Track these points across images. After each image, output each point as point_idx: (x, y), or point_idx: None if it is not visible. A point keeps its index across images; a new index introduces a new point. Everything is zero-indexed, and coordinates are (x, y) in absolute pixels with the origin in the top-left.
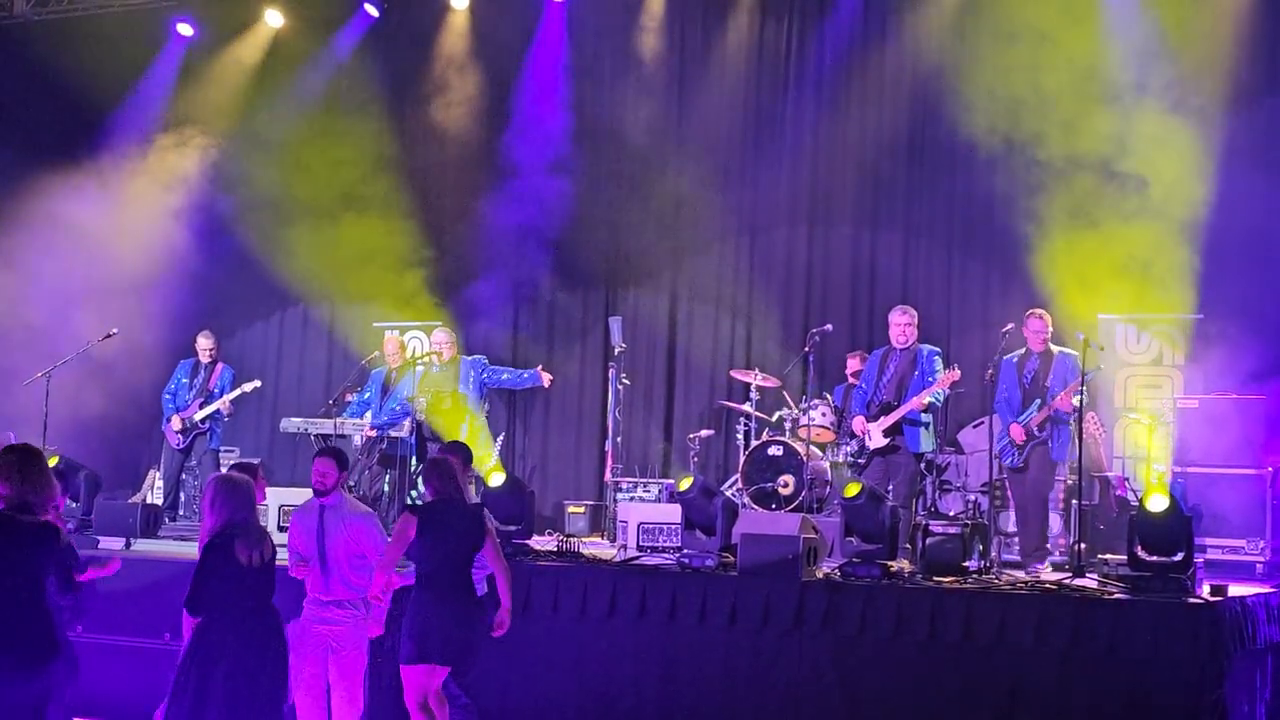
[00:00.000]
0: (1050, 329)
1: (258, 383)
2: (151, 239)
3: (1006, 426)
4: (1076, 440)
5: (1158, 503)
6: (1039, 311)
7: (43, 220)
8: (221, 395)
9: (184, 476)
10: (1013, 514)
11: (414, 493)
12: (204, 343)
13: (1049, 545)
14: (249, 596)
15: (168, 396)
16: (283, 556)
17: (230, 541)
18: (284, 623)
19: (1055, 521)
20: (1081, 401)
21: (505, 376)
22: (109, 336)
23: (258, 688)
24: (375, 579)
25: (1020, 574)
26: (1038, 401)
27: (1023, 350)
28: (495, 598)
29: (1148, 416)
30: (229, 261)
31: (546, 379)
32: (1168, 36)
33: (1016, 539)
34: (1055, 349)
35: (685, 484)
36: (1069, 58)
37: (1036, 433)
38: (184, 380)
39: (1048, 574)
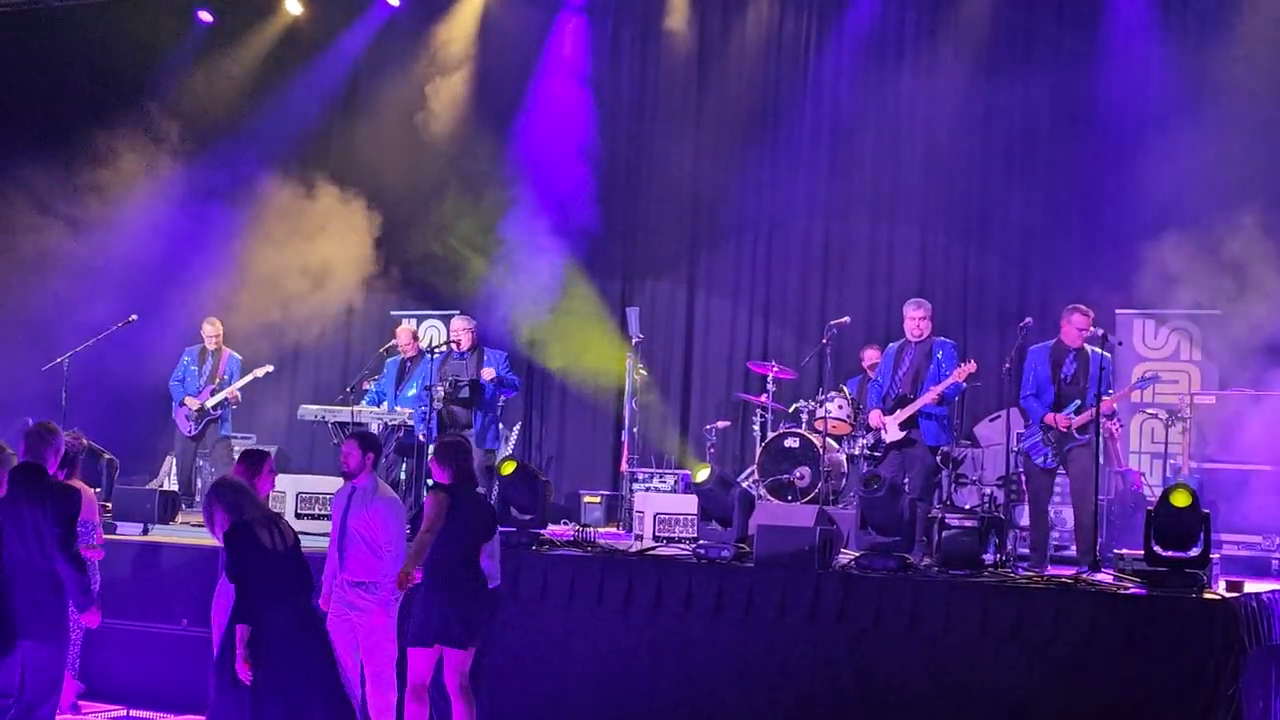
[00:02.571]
0: (1091, 328)
1: (269, 367)
2: (169, 224)
3: (1038, 420)
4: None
5: (1180, 499)
6: (1082, 307)
7: (62, 204)
8: (231, 382)
9: (199, 463)
10: (1026, 509)
11: (430, 481)
12: (209, 329)
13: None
14: (283, 581)
15: (175, 383)
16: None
17: (249, 527)
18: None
19: (1069, 516)
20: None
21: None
22: (128, 322)
23: (310, 672)
24: (407, 562)
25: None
26: (1077, 402)
27: (1054, 343)
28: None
29: (1165, 413)
30: (247, 248)
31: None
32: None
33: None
34: (1089, 348)
35: (702, 474)
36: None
37: (1077, 435)
38: (192, 367)
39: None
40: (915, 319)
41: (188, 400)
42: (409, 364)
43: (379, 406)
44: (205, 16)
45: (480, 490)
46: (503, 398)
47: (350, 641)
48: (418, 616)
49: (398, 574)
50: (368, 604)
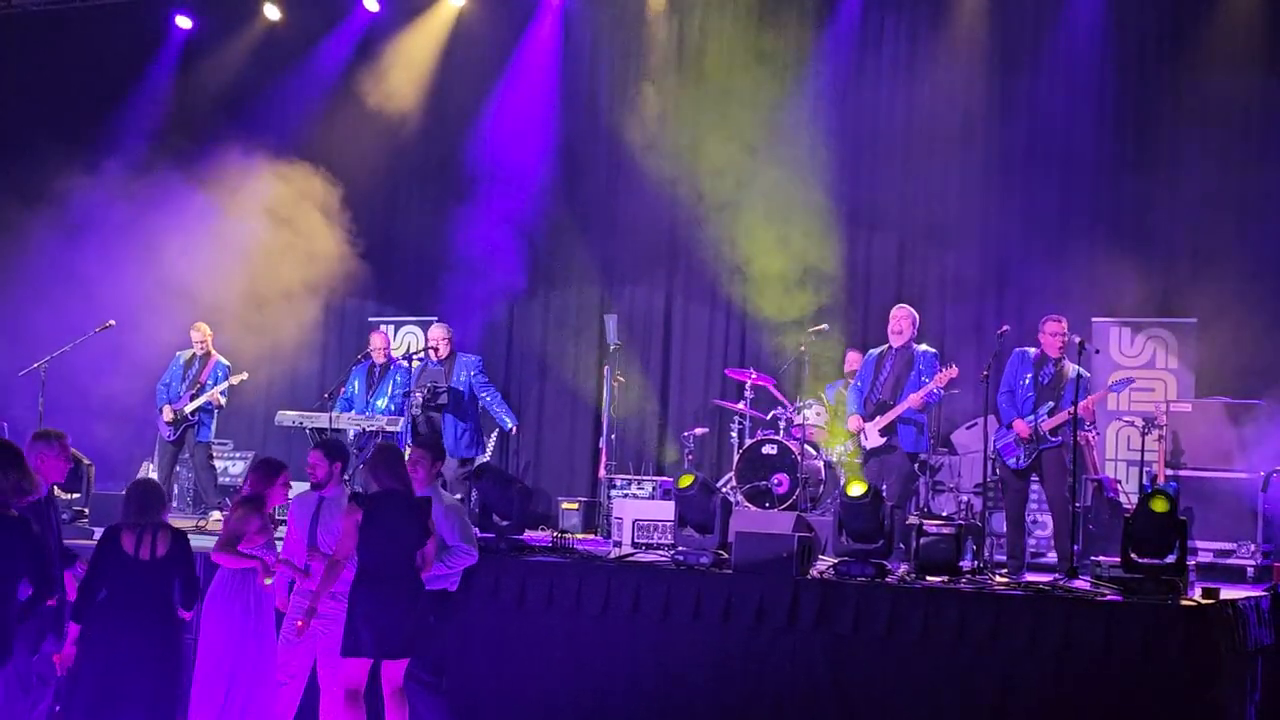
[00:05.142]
0: (1067, 336)
1: (245, 375)
2: (147, 230)
3: (1008, 421)
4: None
5: (1159, 505)
6: (1054, 316)
7: (40, 213)
8: (214, 388)
9: (177, 468)
10: (1004, 515)
11: None
12: (196, 335)
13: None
14: (139, 586)
15: (162, 387)
16: None
17: (116, 533)
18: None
19: (1047, 523)
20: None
21: (488, 397)
22: (106, 327)
23: (147, 680)
24: (324, 581)
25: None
26: (1050, 404)
27: (1037, 351)
28: (463, 595)
29: (1141, 420)
30: (226, 253)
31: (513, 429)
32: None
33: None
34: (1070, 364)
35: (686, 481)
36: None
37: (1049, 437)
38: (178, 372)
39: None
40: (896, 322)
41: (165, 408)
42: (377, 370)
43: (347, 414)
44: (183, 22)
45: (424, 495)
46: (481, 405)
47: (308, 649)
48: (356, 627)
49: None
50: (334, 613)
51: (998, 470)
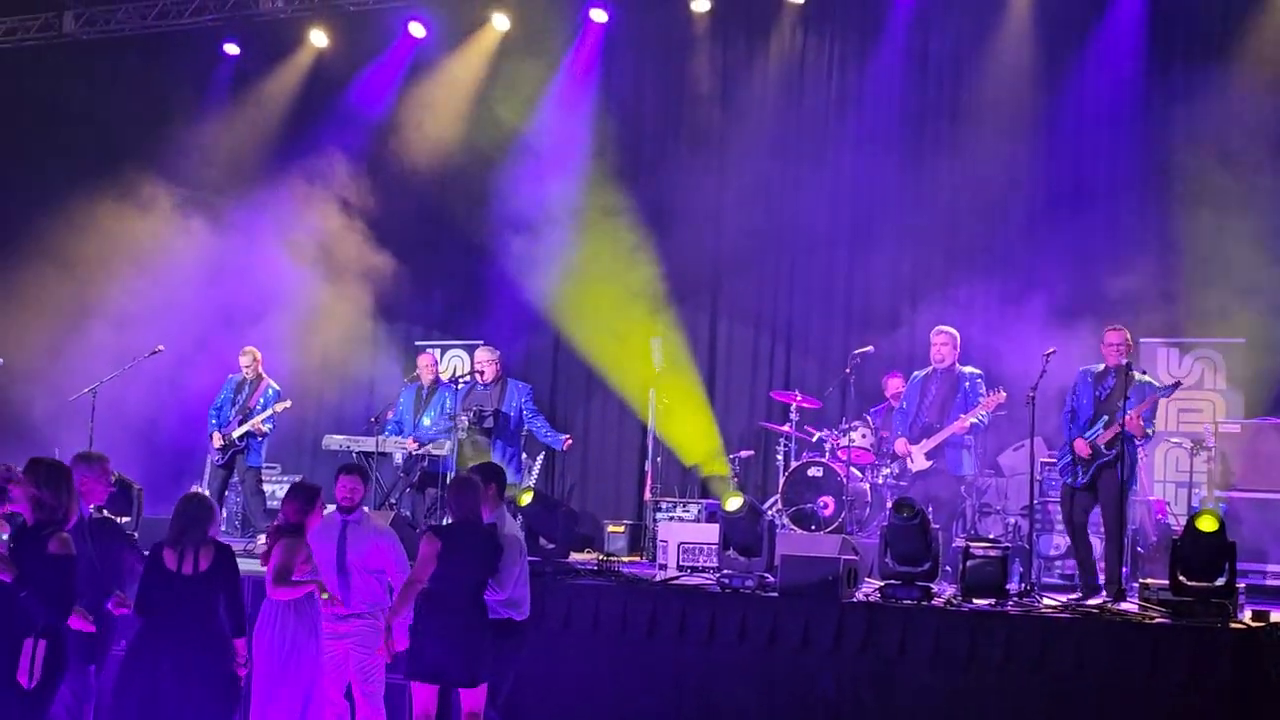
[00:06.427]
0: (1129, 345)
1: (288, 403)
2: (196, 257)
3: (1070, 441)
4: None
5: (1207, 523)
6: (1117, 326)
7: (93, 238)
8: (262, 412)
9: (226, 493)
10: (1060, 535)
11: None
12: (245, 359)
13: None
14: (181, 602)
15: (214, 411)
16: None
17: (159, 549)
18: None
19: (1096, 545)
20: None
21: (539, 424)
22: (155, 353)
23: (192, 697)
24: (400, 602)
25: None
26: (1105, 417)
27: (1100, 366)
28: (528, 623)
29: (1189, 441)
30: (274, 279)
31: (566, 444)
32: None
33: (1059, 563)
34: (1135, 374)
35: (734, 503)
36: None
37: (1105, 451)
38: (229, 396)
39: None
40: (938, 344)
41: (214, 435)
42: (424, 391)
43: (399, 436)
44: (231, 49)
45: (491, 523)
46: (526, 429)
47: (341, 669)
48: (421, 651)
49: (385, 619)
50: (362, 631)
51: (1059, 488)
